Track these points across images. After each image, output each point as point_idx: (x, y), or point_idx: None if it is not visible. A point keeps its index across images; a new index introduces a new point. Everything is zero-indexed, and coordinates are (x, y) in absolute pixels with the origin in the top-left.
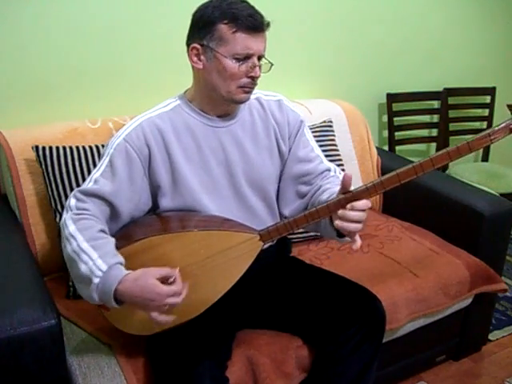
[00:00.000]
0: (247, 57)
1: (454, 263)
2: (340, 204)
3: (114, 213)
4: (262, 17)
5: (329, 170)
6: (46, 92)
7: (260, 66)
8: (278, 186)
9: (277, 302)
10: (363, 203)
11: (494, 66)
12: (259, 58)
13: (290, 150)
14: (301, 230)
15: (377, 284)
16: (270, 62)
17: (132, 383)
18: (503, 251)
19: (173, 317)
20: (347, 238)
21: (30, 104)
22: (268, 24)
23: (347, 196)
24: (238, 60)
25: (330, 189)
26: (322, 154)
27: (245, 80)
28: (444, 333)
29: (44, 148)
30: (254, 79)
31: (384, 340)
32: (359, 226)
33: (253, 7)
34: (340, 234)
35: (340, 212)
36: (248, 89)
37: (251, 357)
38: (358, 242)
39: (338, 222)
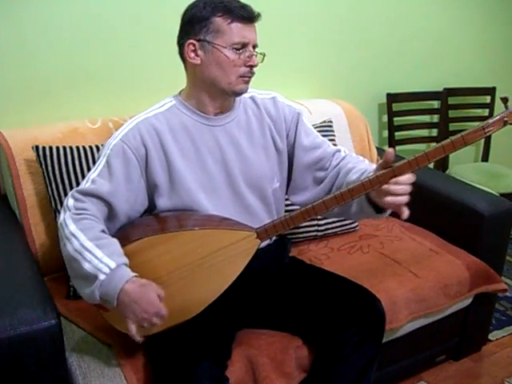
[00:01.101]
0: (243, 46)
1: (454, 263)
2: (343, 197)
3: (111, 213)
4: (251, 7)
5: (339, 150)
6: (46, 92)
7: (256, 56)
8: (291, 177)
9: (277, 301)
10: (407, 177)
11: (493, 66)
12: (253, 48)
13: (294, 143)
14: (300, 230)
15: (377, 284)
16: (262, 53)
17: (132, 383)
18: (503, 251)
19: (141, 338)
20: (387, 213)
21: (30, 104)
22: (258, 15)
23: (352, 188)
24: (236, 49)
25: (355, 167)
26: (326, 139)
27: (244, 69)
28: (444, 333)
29: (44, 148)
30: (252, 68)
31: (384, 340)
32: (405, 198)
33: (239, 0)
34: (378, 210)
35: (385, 187)
36: (247, 78)
37: (251, 357)
38: (406, 212)
39: (387, 198)
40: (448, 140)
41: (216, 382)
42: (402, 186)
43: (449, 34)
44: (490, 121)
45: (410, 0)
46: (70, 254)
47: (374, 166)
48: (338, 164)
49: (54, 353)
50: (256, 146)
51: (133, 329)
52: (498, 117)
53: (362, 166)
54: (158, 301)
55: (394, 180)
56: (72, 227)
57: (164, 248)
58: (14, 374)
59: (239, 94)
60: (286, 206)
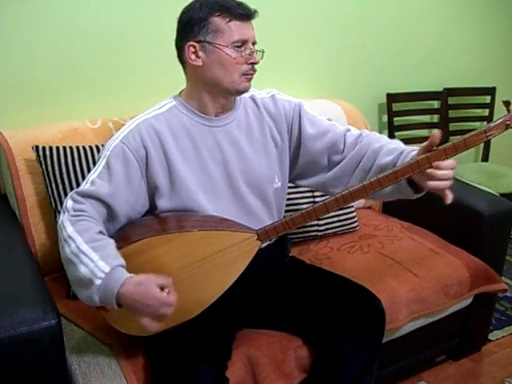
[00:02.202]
0: (243, 44)
1: (454, 263)
2: (344, 199)
3: (110, 214)
4: (247, 4)
5: (349, 129)
6: (46, 92)
7: (257, 53)
8: (306, 170)
9: (277, 301)
10: (449, 163)
11: (493, 66)
12: (253, 45)
13: (300, 135)
14: (300, 230)
15: (377, 284)
16: (261, 50)
17: (132, 383)
18: (503, 251)
19: (161, 325)
20: (424, 192)
21: (30, 104)
22: (255, 11)
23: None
24: (237, 47)
25: (383, 147)
26: (334, 122)
27: (246, 67)
28: (444, 333)
29: (44, 148)
30: (253, 65)
31: (384, 340)
32: (448, 182)
33: None
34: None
35: (429, 171)
36: (250, 76)
37: (251, 357)
38: (450, 196)
39: (431, 183)
40: (450, 143)
41: (216, 382)
42: (443, 172)
43: (449, 34)
44: (492, 124)
45: (411, 0)
46: (67, 257)
47: (401, 144)
48: (354, 143)
49: (54, 353)
50: (256, 147)
51: (147, 323)
52: (500, 120)
53: (392, 145)
54: (158, 292)
55: (435, 164)
56: (69, 229)
57: (164, 249)
58: (14, 374)
59: (242, 92)
60: (287, 205)
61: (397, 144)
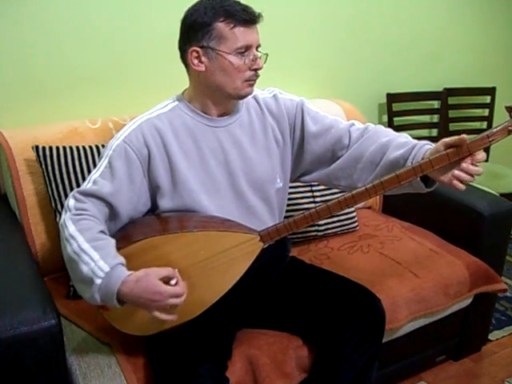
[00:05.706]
0: (247, 49)
1: (454, 263)
2: (346, 202)
3: (112, 213)
4: (252, 9)
5: (353, 124)
6: (46, 92)
7: (260, 58)
8: (312, 167)
9: (277, 301)
10: (482, 156)
11: (494, 66)
12: (256, 48)
13: (303, 133)
14: (301, 230)
15: (377, 284)
16: (265, 54)
17: (132, 383)
18: (503, 251)
19: (175, 315)
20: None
21: (30, 104)
22: (260, 15)
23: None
24: (241, 54)
25: (392, 141)
26: (336, 118)
27: (249, 73)
28: (444, 333)
29: (44, 148)
30: (256, 71)
31: (384, 340)
32: (472, 178)
33: (239, 2)
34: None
35: (465, 166)
36: (252, 82)
37: (251, 357)
38: (461, 184)
39: (457, 173)
40: (454, 148)
41: (216, 382)
42: (478, 168)
43: (449, 34)
44: (495, 130)
45: (411, 0)
46: (69, 256)
47: (410, 138)
48: (359, 137)
49: (54, 353)
50: (258, 147)
51: (159, 315)
52: (502, 126)
53: (402, 139)
54: (161, 285)
55: (469, 159)
56: (71, 228)
57: (166, 249)
58: (14, 373)
59: (245, 97)
60: (287, 205)
61: (406, 138)
